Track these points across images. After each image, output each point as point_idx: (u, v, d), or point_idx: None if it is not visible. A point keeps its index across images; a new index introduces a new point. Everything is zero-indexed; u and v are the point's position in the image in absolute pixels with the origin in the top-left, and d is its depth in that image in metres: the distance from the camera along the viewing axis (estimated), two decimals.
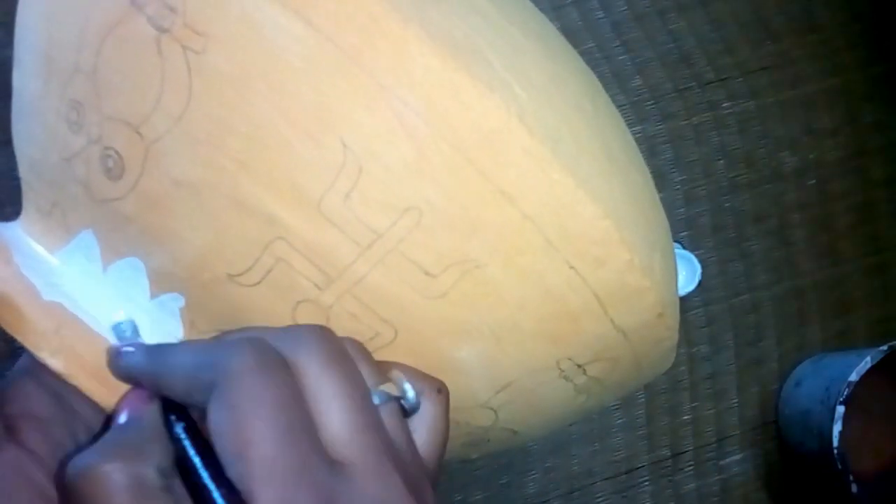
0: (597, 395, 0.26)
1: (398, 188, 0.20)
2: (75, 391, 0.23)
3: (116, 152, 0.22)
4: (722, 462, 0.49)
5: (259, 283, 0.21)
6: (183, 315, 0.23)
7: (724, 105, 0.50)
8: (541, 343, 0.23)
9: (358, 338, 0.22)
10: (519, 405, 0.25)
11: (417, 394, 0.22)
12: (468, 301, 0.22)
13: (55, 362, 0.22)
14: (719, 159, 0.50)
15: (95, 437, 0.24)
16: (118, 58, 0.21)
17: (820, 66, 0.51)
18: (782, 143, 0.51)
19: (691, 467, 0.49)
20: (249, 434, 0.18)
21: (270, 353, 0.20)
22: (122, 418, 0.22)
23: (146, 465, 0.19)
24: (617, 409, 0.48)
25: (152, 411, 0.21)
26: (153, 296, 0.23)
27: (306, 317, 0.22)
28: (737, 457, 0.49)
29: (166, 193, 0.21)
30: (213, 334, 0.23)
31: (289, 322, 0.22)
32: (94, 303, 0.23)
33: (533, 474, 0.47)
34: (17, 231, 0.24)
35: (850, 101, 0.52)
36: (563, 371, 0.24)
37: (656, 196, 0.26)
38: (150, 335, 0.23)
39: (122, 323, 0.22)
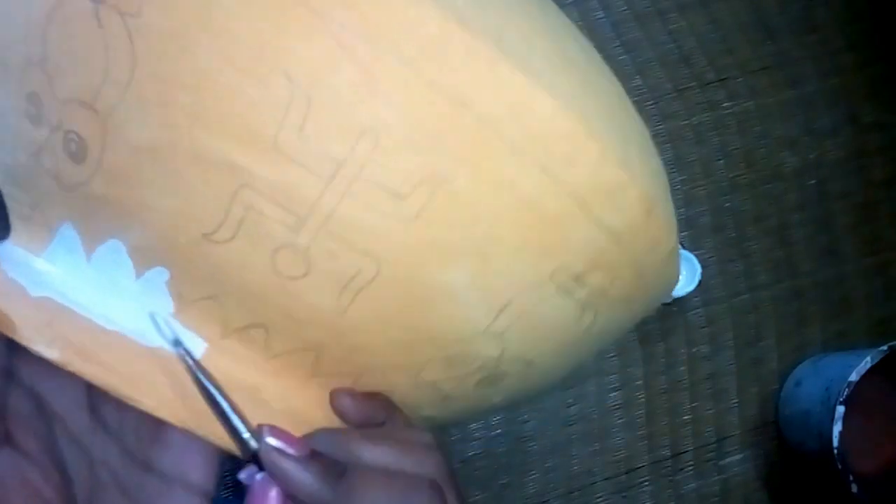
0: (604, 312, 0.25)
1: (350, 112, 0.20)
2: (53, 391, 0.24)
3: (76, 134, 0.22)
4: (722, 462, 0.49)
5: (234, 237, 0.21)
6: (170, 287, 0.23)
7: (724, 105, 0.50)
8: (528, 255, 0.22)
9: (341, 277, 0.21)
10: (523, 328, 0.24)
11: None
12: (444, 219, 0.21)
13: (51, 353, 0.22)
14: (719, 159, 0.50)
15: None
16: (63, 39, 0.21)
17: (820, 66, 0.51)
18: (782, 143, 0.51)
19: (691, 467, 0.49)
20: None
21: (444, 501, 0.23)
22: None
23: None
24: (617, 409, 0.48)
25: None
26: (138, 275, 0.23)
27: (286, 265, 0.21)
28: (737, 457, 0.49)
29: (129, 163, 0.21)
30: (200, 301, 0.22)
31: (270, 274, 0.21)
32: (84, 293, 0.23)
33: (533, 474, 0.47)
34: (5, 245, 0.25)
35: (850, 101, 0.52)
36: (559, 284, 0.23)
37: (628, 101, 0.25)
38: (139, 316, 0.23)
39: (154, 318, 0.23)
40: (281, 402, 0.24)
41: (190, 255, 0.22)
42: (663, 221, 0.24)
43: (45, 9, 0.22)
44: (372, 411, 0.25)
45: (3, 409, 0.23)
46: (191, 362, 0.22)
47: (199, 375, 0.22)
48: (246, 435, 0.21)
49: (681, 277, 0.46)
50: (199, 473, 0.28)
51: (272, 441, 0.21)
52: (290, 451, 0.22)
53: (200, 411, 0.23)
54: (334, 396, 0.24)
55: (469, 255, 0.22)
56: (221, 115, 0.20)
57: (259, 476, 0.22)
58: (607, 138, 0.22)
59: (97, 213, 0.22)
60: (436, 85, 0.20)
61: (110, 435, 0.27)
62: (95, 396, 0.27)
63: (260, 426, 0.22)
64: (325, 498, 0.21)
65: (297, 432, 0.23)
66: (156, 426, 0.28)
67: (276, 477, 0.21)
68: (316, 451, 0.22)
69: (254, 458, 0.22)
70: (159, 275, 0.23)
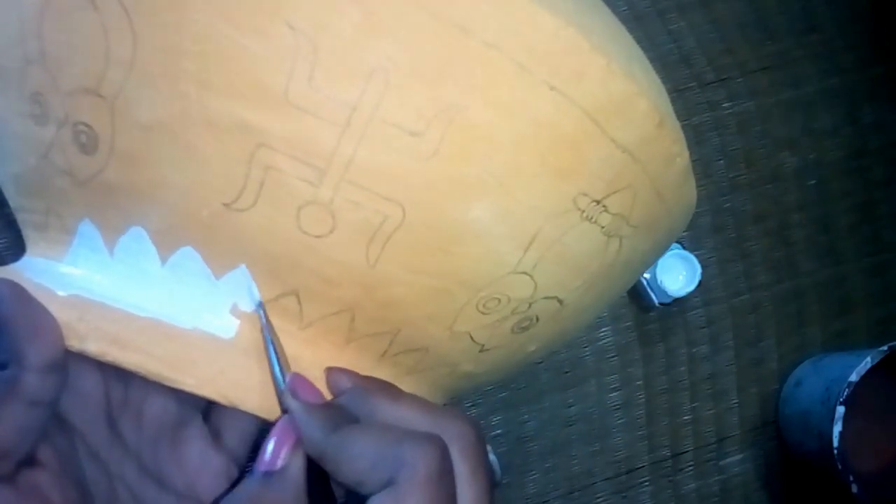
0: (629, 238, 0.25)
1: (357, 54, 0.20)
2: (73, 406, 0.24)
3: (85, 124, 0.21)
4: (722, 462, 0.49)
5: (256, 202, 0.21)
6: (201, 269, 0.23)
7: (724, 105, 0.50)
8: (549, 181, 0.22)
9: (367, 228, 0.21)
10: (552, 261, 0.23)
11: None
12: (462, 152, 0.21)
13: (86, 346, 0.22)
14: (719, 159, 0.50)
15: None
16: (60, 31, 0.21)
17: (820, 66, 0.51)
18: (782, 143, 0.51)
19: (691, 467, 0.49)
20: None
21: (449, 461, 0.21)
22: (267, 456, 0.22)
23: None
24: (617, 409, 0.48)
25: (297, 467, 0.22)
26: (164, 259, 0.23)
27: (312, 223, 0.21)
28: (737, 457, 0.49)
29: (141, 144, 0.21)
30: (230, 271, 0.22)
31: (297, 235, 0.21)
32: (112, 288, 0.23)
33: (533, 474, 0.47)
34: (25, 259, 0.25)
35: (850, 101, 0.52)
36: (583, 211, 0.23)
37: (622, 26, 0.25)
38: (171, 300, 0.23)
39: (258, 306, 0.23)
40: (318, 371, 0.24)
41: (214, 228, 0.22)
42: (675, 134, 0.24)
43: (37, 4, 0.21)
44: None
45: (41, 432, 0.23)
46: (264, 321, 0.22)
47: (266, 334, 0.22)
48: (282, 387, 0.22)
49: (681, 277, 0.46)
50: (212, 490, 0.28)
51: (291, 389, 0.22)
52: (306, 398, 0.22)
53: (240, 385, 0.23)
54: (329, 373, 0.24)
55: (491, 188, 0.21)
56: (229, 76, 0.20)
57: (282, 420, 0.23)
58: (611, 52, 0.22)
59: (115, 203, 0.22)
60: (437, 15, 0.20)
61: (128, 450, 0.27)
62: (113, 411, 0.27)
63: (291, 375, 0.22)
64: (319, 445, 0.22)
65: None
66: (172, 441, 0.28)
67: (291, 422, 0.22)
68: (335, 404, 0.23)
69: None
70: (186, 256, 0.22)
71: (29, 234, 0.25)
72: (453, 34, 0.20)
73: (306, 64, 0.20)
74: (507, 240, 0.22)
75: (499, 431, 0.47)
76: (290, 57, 0.20)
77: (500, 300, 0.24)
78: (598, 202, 0.23)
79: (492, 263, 0.23)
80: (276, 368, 0.22)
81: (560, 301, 0.25)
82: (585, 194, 0.23)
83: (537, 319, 0.25)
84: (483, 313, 0.24)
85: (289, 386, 0.22)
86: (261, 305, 0.23)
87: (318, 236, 0.21)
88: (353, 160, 0.20)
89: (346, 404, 0.23)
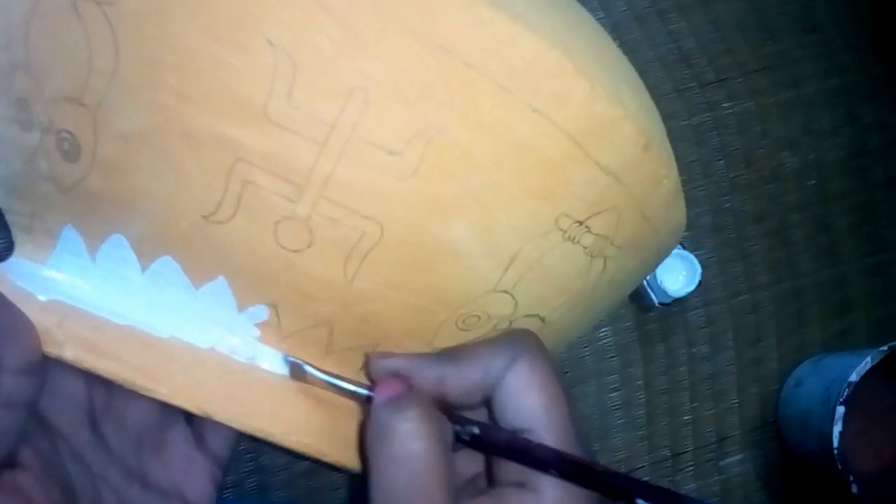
0: (614, 259, 0.25)
1: (336, 72, 0.20)
2: (55, 408, 0.24)
3: (68, 132, 0.21)
4: (722, 462, 0.49)
5: (234, 215, 0.21)
6: (180, 279, 0.23)
7: (724, 105, 0.50)
8: (530, 202, 0.22)
9: (345, 244, 0.21)
10: (533, 281, 0.23)
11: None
12: (441, 172, 0.21)
13: (63, 353, 0.22)
14: (719, 159, 0.50)
15: None
16: (45, 38, 0.21)
17: (820, 66, 0.51)
18: (782, 143, 0.51)
19: (691, 468, 0.49)
20: (556, 390, 0.24)
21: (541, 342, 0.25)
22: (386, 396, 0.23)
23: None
24: (617, 409, 0.48)
25: (422, 396, 0.23)
26: (143, 268, 0.23)
27: (289, 238, 0.21)
28: (737, 457, 0.49)
29: (122, 154, 0.21)
30: (209, 282, 0.22)
31: (275, 249, 0.21)
32: (93, 293, 0.23)
33: None
34: (12, 260, 0.25)
35: (850, 101, 0.52)
36: (565, 231, 0.23)
37: (615, 46, 0.25)
38: (149, 308, 0.23)
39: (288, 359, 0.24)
40: (297, 383, 0.24)
41: (193, 239, 0.22)
42: (662, 157, 0.24)
43: (23, 11, 0.21)
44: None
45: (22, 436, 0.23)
46: (309, 369, 0.23)
47: (319, 374, 0.23)
48: (364, 392, 0.24)
49: (681, 277, 0.46)
50: (197, 491, 0.28)
51: (374, 357, 0.24)
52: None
53: (215, 395, 0.23)
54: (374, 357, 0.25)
55: (470, 208, 0.21)
56: (209, 90, 0.20)
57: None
58: (596, 74, 0.21)
59: (97, 210, 0.22)
60: (418, 34, 0.20)
61: (112, 452, 0.27)
62: (96, 414, 0.27)
63: (375, 389, 0.24)
64: (437, 370, 0.24)
65: (316, 410, 0.23)
66: (155, 443, 0.28)
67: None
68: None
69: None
70: (165, 265, 0.22)
71: (17, 236, 0.25)
72: (434, 54, 0.20)
73: (285, 81, 0.20)
74: (487, 259, 0.22)
75: None
76: (270, 73, 0.20)
77: (479, 317, 0.24)
78: (580, 223, 0.23)
79: (471, 282, 0.23)
80: (350, 388, 0.24)
81: (542, 319, 0.25)
82: (567, 215, 0.22)
83: None
84: (463, 330, 0.24)
85: (373, 355, 0.24)
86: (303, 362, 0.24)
87: (295, 251, 0.21)
88: (331, 178, 0.20)
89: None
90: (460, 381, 0.23)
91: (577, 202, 0.22)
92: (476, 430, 0.24)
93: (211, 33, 0.20)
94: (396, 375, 0.23)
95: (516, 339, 0.24)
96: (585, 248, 0.24)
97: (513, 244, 0.22)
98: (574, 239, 0.23)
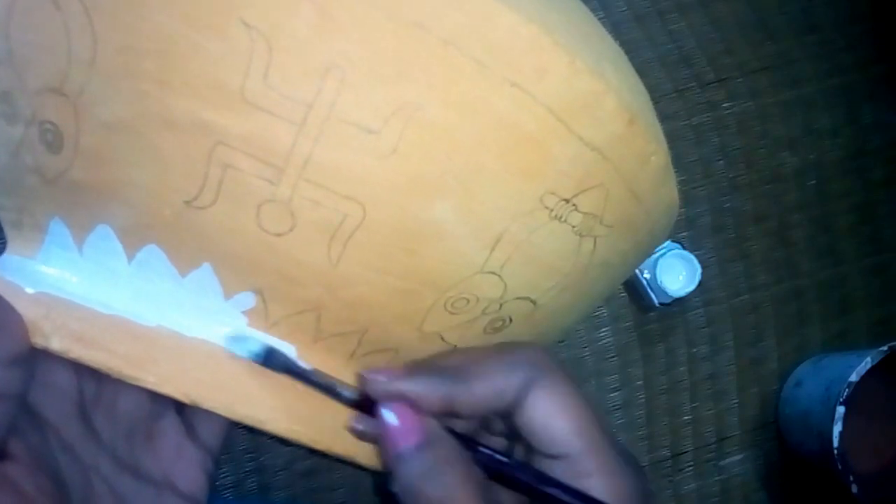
0: (605, 238, 0.24)
1: (312, 52, 0.20)
2: (45, 401, 0.24)
3: (51, 123, 0.21)
4: (722, 462, 0.49)
5: (216, 200, 0.21)
6: (166, 267, 0.23)
7: (724, 105, 0.50)
8: (513, 180, 0.21)
9: (328, 226, 0.21)
10: (521, 261, 0.23)
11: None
12: (421, 151, 0.20)
13: (50, 343, 0.22)
14: (719, 159, 0.50)
15: None
16: (25, 30, 0.21)
17: (820, 66, 0.51)
18: (782, 143, 0.51)
19: (691, 468, 0.49)
20: (586, 410, 0.23)
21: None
22: (405, 437, 0.23)
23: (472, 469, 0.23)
24: (617, 409, 0.48)
25: (435, 426, 0.23)
26: (130, 258, 0.23)
27: (272, 221, 0.21)
28: (737, 457, 0.49)
29: (104, 143, 0.21)
30: (194, 269, 0.22)
31: (257, 233, 0.21)
32: (81, 285, 0.23)
33: None
34: (3, 257, 0.25)
35: (850, 101, 0.52)
36: (551, 210, 0.22)
37: (602, 28, 0.25)
38: (136, 298, 0.23)
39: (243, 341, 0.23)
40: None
41: (177, 226, 0.22)
42: (648, 133, 0.23)
43: (4, 5, 0.22)
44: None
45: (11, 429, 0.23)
46: (290, 363, 0.23)
47: (301, 371, 0.23)
48: (349, 394, 0.24)
49: (681, 277, 0.46)
50: (189, 481, 0.28)
51: (372, 377, 0.24)
52: (389, 375, 0.24)
53: (202, 383, 0.23)
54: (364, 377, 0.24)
55: (452, 187, 0.21)
56: (187, 75, 0.20)
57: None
58: (576, 49, 0.21)
59: (82, 201, 0.22)
60: (393, 12, 0.20)
61: (102, 443, 0.27)
62: (86, 405, 0.27)
63: (381, 405, 0.23)
64: (446, 393, 0.23)
65: (306, 397, 0.23)
66: (146, 434, 0.28)
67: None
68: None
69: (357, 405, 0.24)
70: (151, 254, 0.22)
71: (8, 232, 0.25)
72: (409, 31, 0.20)
73: (261, 62, 0.20)
74: (472, 239, 0.22)
75: None
76: (246, 55, 0.20)
77: (468, 300, 0.23)
78: (567, 201, 0.22)
79: (457, 264, 0.22)
80: (337, 390, 0.24)
81: (533, 302, 0.25)
82: (553, 193, 0.22)
83: (510, 320, 0.25)
84: (452, 313, 0.24)
85: (370, 375, 0.23)
86: (282, 355, 0.23)
87: (278, 234, 0.21)
88: (310, 158, 0.20)
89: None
90: (469, 399, 0.23)
91: (562, 179, 0.22)
92: (503, 469, 0.24)
93: (186, 18, 0.20)
94: (399, 396, 0.23)
95: (527, 358, 0.24)
96: (574, 227, 0.23)
97: (498, 224, 0.22)
98: (561, 217, 0.23)
